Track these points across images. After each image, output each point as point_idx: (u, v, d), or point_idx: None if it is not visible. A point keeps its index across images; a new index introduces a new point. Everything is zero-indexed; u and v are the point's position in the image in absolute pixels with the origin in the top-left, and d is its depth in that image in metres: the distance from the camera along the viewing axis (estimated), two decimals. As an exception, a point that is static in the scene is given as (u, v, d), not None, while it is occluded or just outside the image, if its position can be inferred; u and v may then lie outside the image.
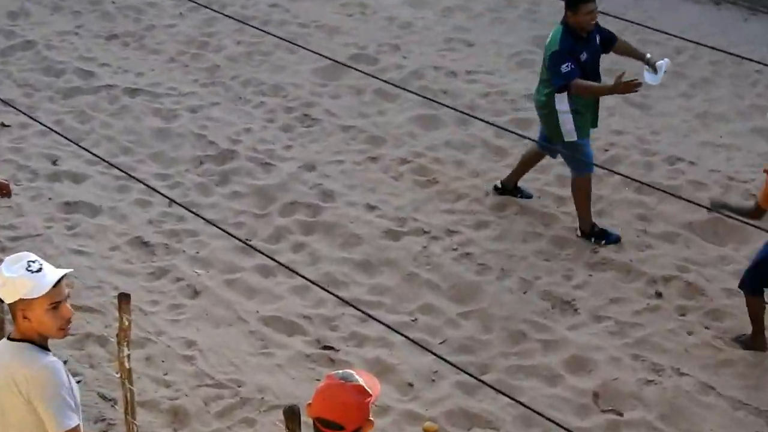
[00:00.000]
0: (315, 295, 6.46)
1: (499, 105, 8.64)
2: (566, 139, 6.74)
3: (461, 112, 4.41)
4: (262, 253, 3.89)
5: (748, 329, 6.07)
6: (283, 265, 3.81)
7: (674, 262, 6.77)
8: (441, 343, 6.12)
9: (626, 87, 6.43)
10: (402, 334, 3.67)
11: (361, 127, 8.36)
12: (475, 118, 4.21)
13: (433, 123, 8.40)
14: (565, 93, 6.63)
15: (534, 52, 9.45)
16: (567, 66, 6.52)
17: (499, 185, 7.42)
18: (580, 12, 6.53)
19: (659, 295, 6.49)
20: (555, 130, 6.77)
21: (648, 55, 6.90)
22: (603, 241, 6.89)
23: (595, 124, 6.94)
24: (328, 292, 3.67)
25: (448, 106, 4.49)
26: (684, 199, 4.64)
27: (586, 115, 6.81)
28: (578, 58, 6.58)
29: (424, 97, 4.64)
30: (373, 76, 5.15)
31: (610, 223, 7.11)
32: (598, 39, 6.76)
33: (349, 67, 5.39)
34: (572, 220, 7.11)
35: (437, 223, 7.18)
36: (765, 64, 5.70)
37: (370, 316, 3.44)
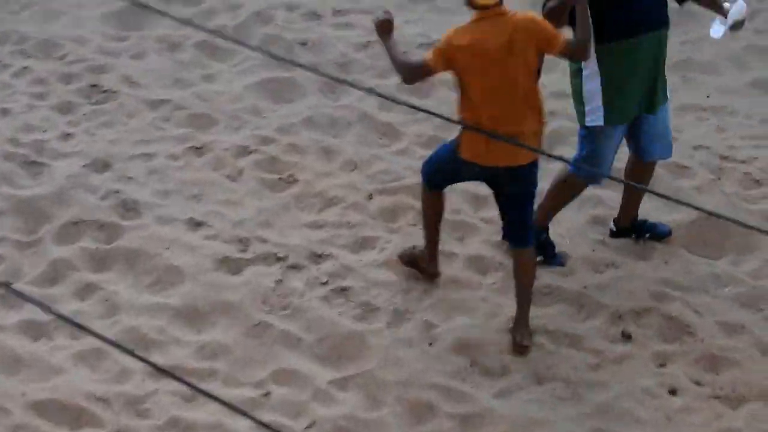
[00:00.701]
0: (114, 363, 6.41)
1: (383, 60, 8.62)
2: (586, 123, 6.62)
3: (328, 77, 4.31)
4: (31, 301, 3.75)
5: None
6: (63, 317, 3.66)
7: (648, 287, 6.84)
8: (307, 428, 6.14)
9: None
10: (248, 416, 3.67)
11: (178, 102, 8.36)
12: (349, 84, 4.08)
13: (288, 91, 8.40)
14: (599, 44, 6.33)
15: (434, -21, 9.53)
16: None
17: (614, 228, 7.21)
18: None
19: (628, 337, 6.60)
20: (576, 104, 6.65)
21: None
22: (540, 257, 6.89)
23: (650, 109, 6.59)
24: (134, 357, 3.57)
25: (306, 68, 4.38)
26: (658, 194, 4.63)
27: (632, 83, 6.48)
28: None
29: (273, 56, 4.54)
30: (196, 26, 5.03)
31: (554, 232, 7.15)
32: None
33: (158, 11, 5.28)
34: (498, 230, 7.10)
35: (297, 244, 7.19)
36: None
37: (199, 390, 3.35)
